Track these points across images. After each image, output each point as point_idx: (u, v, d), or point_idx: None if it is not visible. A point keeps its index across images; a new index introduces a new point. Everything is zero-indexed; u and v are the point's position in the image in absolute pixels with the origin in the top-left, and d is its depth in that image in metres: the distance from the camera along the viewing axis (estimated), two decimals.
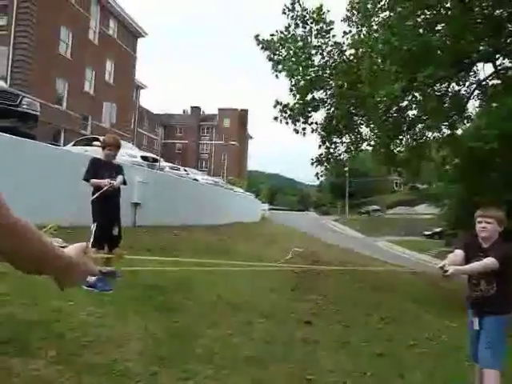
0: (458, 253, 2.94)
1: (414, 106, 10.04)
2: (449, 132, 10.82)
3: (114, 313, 3.54)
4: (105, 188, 4.17)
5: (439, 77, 8.56)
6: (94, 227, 4.29)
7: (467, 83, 10.89)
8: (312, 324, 4.76)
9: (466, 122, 11.56)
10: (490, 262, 2.74)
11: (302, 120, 9.92)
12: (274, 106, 9.76)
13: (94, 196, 4.18)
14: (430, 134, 11.06)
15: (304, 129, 10.04)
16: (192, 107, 69.12)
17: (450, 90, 10.58)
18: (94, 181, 4.30)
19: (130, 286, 4.47)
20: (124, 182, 4.55)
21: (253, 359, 3.33)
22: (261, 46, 9.59)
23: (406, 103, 10.00)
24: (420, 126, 10.80)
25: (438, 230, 32.65)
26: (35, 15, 20.90)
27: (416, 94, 9.66)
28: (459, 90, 10.84)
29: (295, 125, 9.93)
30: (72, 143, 13.94)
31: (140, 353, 2.84)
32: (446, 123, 10.38)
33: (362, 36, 9.41)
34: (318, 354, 3.80)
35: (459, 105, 10.54)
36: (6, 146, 6.46)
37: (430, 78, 8.10)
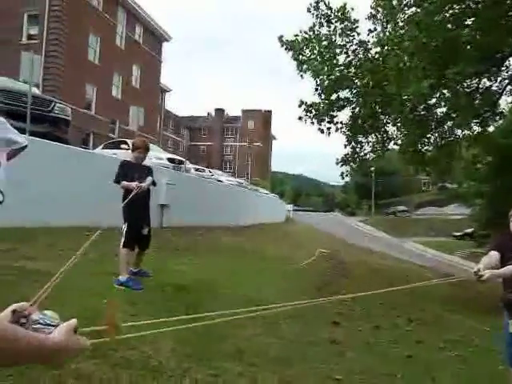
0: (493, 254, 2.81)
1: (442, 103, 9.78)
2: (480, 129, 10.48)
3: (145, 311, 3.64)
4: (134, 192, 4.27)
5: (469, 73, 8.31)
6: (124, 227, 4.43)
7: (499, 78, 10.51)
8: (339, 324, 4.74)
9: (498, 118, 11.17)
10: None
11: (327, 119, 9.85)
12: (299, 106, 9.73)
13: (125, 202, 4.24)
14: (459, 132, 10.74)
15: (329, 128, 9.96)
16: (216, 109, 69.82)
17: (480, 85, 10.24)
18: (124, 183, 4.43)
19: (159, 285, 4.59)
20: (153, 183, 4.67)
21: (280, 358, 3.35)
22: (284, 47, 9.59)
23: (434, 101, 9.75)
24: (449, 123, 10.50)
25: (468, 230, 31.66)
26: (65, 23, 21.65)
27: (445, 91, 9.41)
28: (491, 86, 10.47)
29: (320, 124, 9.87)
30: (101, 146, 14.36)
31: (172, 350, 2.92)
32: (477, 120, 10.05)
33: (387, 33, 9.26)
34: (345, 354, 3.78)
35: (491, 101, 10.18)
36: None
37: (460, 74, 7.87)
